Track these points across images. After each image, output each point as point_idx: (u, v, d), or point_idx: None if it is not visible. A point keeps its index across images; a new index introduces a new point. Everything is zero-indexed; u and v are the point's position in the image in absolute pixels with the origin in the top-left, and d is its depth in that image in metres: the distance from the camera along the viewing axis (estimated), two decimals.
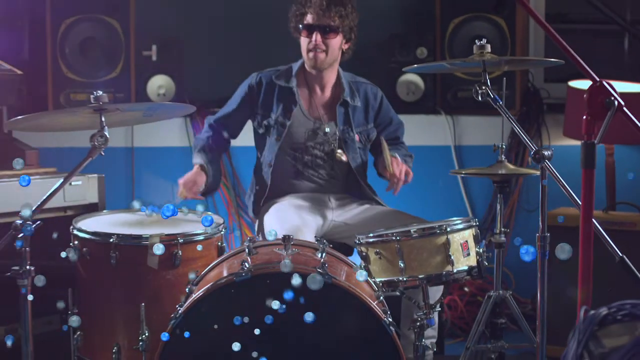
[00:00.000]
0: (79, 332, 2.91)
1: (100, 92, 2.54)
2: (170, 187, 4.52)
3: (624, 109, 1.88)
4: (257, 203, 3.60)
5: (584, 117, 1.88)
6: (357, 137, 3.56)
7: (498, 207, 3.09)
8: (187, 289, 2.57)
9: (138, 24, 4.52)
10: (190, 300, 2.43)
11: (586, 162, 1.88)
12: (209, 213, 3.00)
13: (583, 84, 4.05)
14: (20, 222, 2.42)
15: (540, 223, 2.47)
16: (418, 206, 3.64)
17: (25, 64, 4.09)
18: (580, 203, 1.95)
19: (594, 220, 2.25)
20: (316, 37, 3.41)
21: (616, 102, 1.85)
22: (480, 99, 2.62)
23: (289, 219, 3.33)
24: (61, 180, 2.55)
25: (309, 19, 3.43)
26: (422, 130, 4.57)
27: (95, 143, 2.51)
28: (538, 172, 2.46)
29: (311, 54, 3.45)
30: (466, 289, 4.23)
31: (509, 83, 4.49)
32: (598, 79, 1.88)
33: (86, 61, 4.48)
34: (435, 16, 4.63)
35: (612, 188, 4.07)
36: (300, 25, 3.46)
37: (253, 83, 3.58)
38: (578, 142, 4.00)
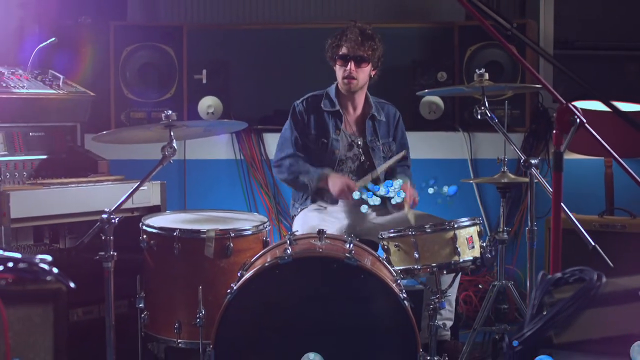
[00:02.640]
0: (145, 312, 3.31)
1: (169, 111, 3.04)
2: (216, 194, 5.00)
3: (586, 125, 2.35)
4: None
5: (554, 131, 2.37)
6: (381, 147, 4.01)
7: (501, 209, 3.58)
8: (239, 273, 3.04)
9: (190, 51, 4.98)
10: (243, 279, 2.93)
11: (555, 166, 2.35)
12: None
13: (586, 104, 4.48)
14: (106, 215, 2.95)
15: (529, 221, 2.98)
16: (439, 212, 3.92)
17: (90, 85, 4.46)
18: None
19: (573, 217, 2.75)
20: (351, 65, 3.88)
21: (578, 120, 2.33)
22: (479, 117, 3.13)
23: (309, 221, 3.79)
24: (131, 185, 3.08)
25: (344, 50, 3.90)
26: (442, 146, 4.92)
27: (166, 153, 3.02)
28: (527, 180, 2.95)
29: (346, 80, 3.91)
30: (480, 286, 4.59)
31: (521, 103, 4.94)
32: (564, 102, 2.36)
33: (144, 84, 4.94)
34: (454, 43, 5.01)
35: (610, 196, 4.48)
36: (336, 56, 3.93)
37: (301, 109, 3.99)
38: (580, 156, 4.50)
